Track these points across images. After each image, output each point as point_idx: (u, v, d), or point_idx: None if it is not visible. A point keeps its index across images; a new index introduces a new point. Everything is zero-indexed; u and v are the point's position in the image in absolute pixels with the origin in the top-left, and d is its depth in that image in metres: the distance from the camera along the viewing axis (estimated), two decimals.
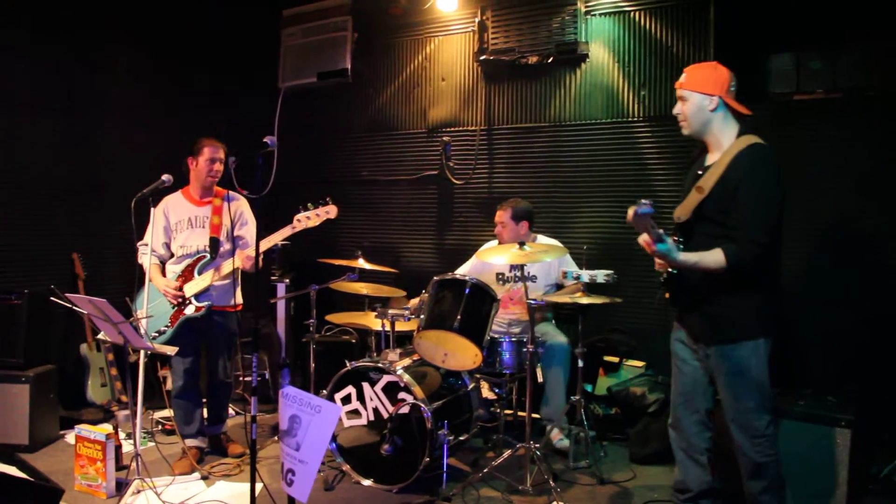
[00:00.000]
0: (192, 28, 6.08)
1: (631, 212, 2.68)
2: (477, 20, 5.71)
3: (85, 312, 3.52)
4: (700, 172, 3.12)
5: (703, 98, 3.06)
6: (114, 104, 5.66)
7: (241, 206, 4.51)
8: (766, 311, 3.06)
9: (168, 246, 4.44)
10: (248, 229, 4.48)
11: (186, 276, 4.32)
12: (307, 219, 4.11)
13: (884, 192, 4.41)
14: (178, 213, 4.40)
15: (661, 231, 2.85)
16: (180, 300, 4.28)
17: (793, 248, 4.55)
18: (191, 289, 4.30)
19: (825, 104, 4.58)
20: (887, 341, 4.34)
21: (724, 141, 3.08)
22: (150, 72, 5.85)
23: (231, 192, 4.49)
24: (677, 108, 3.15)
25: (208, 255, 4.34)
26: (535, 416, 4.24)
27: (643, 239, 2.95)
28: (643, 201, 2.65)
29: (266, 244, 4.10)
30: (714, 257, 2.90)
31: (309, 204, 4.12)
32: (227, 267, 4.28)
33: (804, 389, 3.99)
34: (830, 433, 3.59)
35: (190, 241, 4.38)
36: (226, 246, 4.40)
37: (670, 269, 3.11)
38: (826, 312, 4.52)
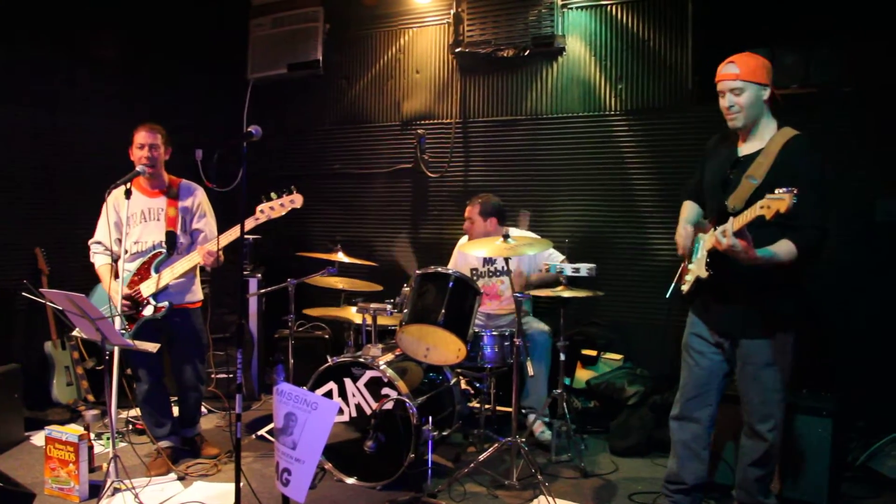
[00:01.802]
0: (158, 18, 5.91)
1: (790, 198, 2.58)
2: (452, 12, 5.66)
3: (60, 308, 3.37)
4: (735, 162, 3.08)
5: (759, 88, 2.98)
6: (77, 95, 5.47)
7: (198, 197, 4.29)
8: (801, 306, 3.09)
9: (121, 242, 4.14)
10: (207, 222, 4.27)
11: (142, 274, 4.09)
12: (270, 209, 3.90)
13: (858, 188, 4.48)
14: (129, 207, 3.99)
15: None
16: (130, 306, 4.02)
17: None
18: (148, 288, 4.05)
19: (800, 99, 4.63)
20: (858, 332, 4.43)
21: (766, 132, 3.04)
22: (113, 62, 5.66)
23: (187, 182, 4.33)
24: (729, 101, 3.01)
25: (164, 251, 4.10)
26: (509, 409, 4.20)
27: (719, 231, 2.79)
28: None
29: (227, 238, 3.94)
30: (787, 248, 2.83)
31: (272, 193, 3.92)
32: (184, 264, 4.06)
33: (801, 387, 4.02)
34: (813, 423, 3.64)
35: (144, 235, 4.14)
36: (183, 240, 4.20)
37: (707, 266, 3.04)
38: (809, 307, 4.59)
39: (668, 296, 3.31)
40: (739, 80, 2.97)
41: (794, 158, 2.91)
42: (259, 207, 3.92)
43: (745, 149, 3.10)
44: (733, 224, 2.75)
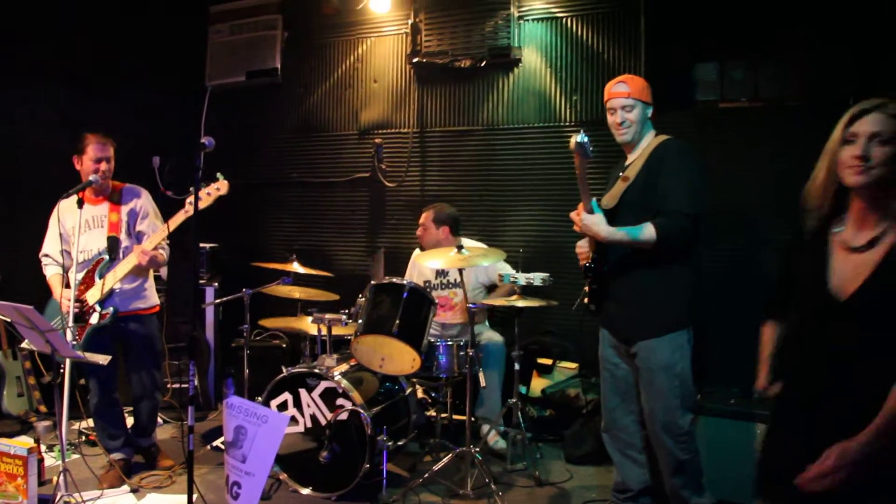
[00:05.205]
0: (114, 23, 5.83)
1: (574, 139, 2.81)
2: (410, 22, 5.70)
3: (8, 320, 3.32)
4: (621, 173, 3.29)
5: (644, 106, 3.25)
6: (28, 101, 5.38)
7: (142, 199, 4.25)
8: (688, 304, 3.20)
9: (69, 253, 4.06)
10: (150, 223, 4.21)
11: (87, 282, 4.04)
12: (199, 199, 3.92)
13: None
14: (73, 216, 3.90)
15: (594, 198, 3.06)
16: (78, 312, 3.95)
17: (712, 252, 4.71)
18: (93, 296, 4.01)
19: (748, 112, 4.74)
20: None
21: (645, 142, 3.28)
22: (67, 68, 5.57)
23: (130, 186, 4.28)
24: (621, 117, 3.24)
25: (107, 257, 4.06)
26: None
27: (572, 214, 3.11)
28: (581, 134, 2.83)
29: (160, 235, 3.94)
30: (647, 230, 3.02)
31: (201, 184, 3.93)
32: (125, 266, 4.01)
33: (732, 388, 4.11)
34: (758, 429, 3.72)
35: (89, 244, 4.09)
36: (127, 244, 4.14)
37: (592, 268, 3.20)
38: (743, 314, 4.66)
39: (574, 309, 3.44)
40: (631, 98, 3.22)
41: (662, 154, 3.16)
42: (188, 199, 3.84)
43: (629, 159, 3.32)
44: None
